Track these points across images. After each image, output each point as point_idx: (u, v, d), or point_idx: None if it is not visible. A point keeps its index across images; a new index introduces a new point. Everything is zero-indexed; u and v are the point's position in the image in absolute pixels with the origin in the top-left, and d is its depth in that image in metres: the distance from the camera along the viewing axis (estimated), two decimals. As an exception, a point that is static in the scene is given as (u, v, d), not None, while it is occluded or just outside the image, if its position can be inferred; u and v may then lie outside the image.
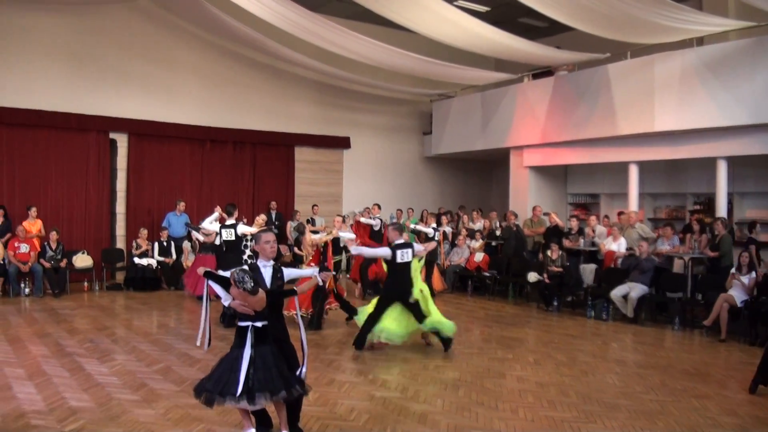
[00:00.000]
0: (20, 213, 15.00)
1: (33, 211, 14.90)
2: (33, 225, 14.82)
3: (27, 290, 14.17)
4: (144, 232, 16.13)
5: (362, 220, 16.17)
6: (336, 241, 12.54)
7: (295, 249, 13.63)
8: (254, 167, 19.17)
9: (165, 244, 16.05)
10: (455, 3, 15.53)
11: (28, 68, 15.80)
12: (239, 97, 18.74)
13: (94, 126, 16.62)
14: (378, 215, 16.94)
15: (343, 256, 14.58)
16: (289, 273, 6.23)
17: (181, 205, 16.71)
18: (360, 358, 9.26)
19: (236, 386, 5.46)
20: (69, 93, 16.27)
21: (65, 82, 16.29)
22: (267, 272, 5.97)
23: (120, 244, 17.05)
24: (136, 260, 15.68)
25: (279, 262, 10.75)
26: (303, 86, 19.80)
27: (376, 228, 16.23)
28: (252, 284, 5.51)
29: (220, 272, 5.98)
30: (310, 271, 6.82)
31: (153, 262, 15.65)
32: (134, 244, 16.11)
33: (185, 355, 9.22)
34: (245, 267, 5.74)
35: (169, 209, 16.82)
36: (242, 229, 12.31)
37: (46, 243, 14.83)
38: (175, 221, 16.45)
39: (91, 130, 16.63)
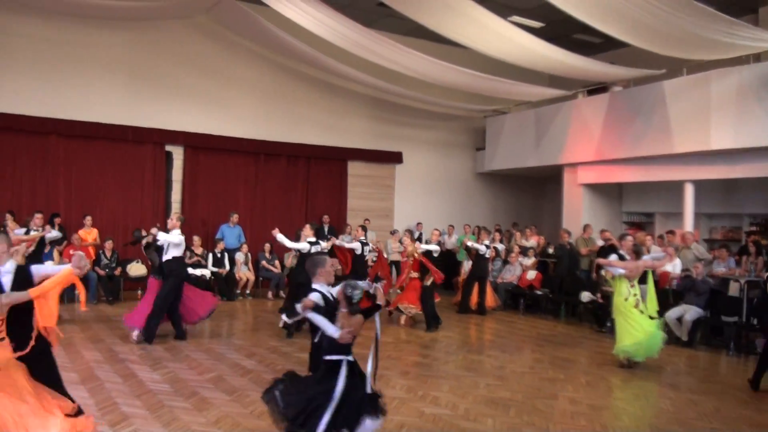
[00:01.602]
0: (76, 222, 15.31)
1: (88, 220, 15.19)
2: (89, 233, 15.12)
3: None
4: (197, 240, 16.27)
5: (340, 242, 14.29)
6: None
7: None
8: (307, 181, 19.29)
9: (219, 255, 16.23)
10: (510, 19, 15.46)
11: (87, 82, 16.24)
12: (293, 112, 18.89)
13: (150, 138, 16.96)
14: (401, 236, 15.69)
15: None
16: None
17: (234, 217, 16.92)
18: (409, 375, 9.16)
19: (318, 424, 5.05)
20: (126, 106, 16.65)
21: (123, 95, 16.66)
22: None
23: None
24: (190, 270, 15.80)
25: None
26: (357, 101, 19.89)
27: (358, 252, 13.80)
28: (360, 295, 5.35)
29: (314, 298, 5.48)
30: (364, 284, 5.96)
31: (207, 272, 15.79)
32: (187, 253, 16.26)
33: (237, 365, 9.27)
34: (350, 280, 5.50)
35: (223, 221, 17.05)
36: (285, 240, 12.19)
37: (101, 251, 15.12)
38: (229, 233, 16.65)
39: (148, 143, 16.97)
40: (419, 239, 16.98)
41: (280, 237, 12.15)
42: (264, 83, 18.47)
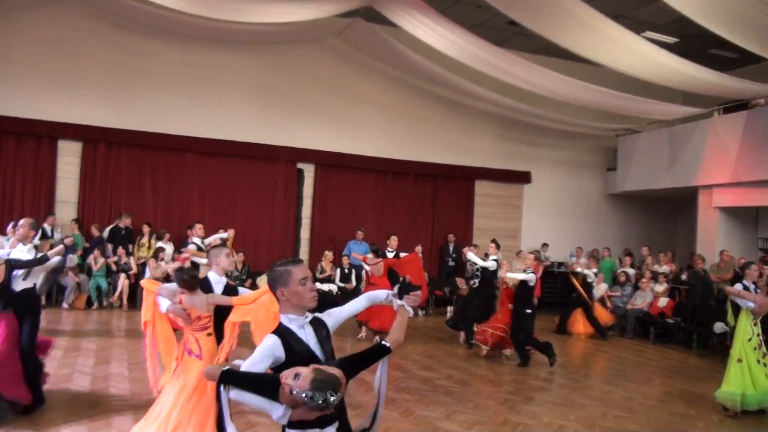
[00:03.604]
0: (210, 234, 15.93)
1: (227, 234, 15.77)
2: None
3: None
4: (329, 255, 16.76)
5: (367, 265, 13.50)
6: None
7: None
8: (434, 200, 19.38)
9: (346, 271, 16.53)
10: (643, 34, 15.12)
11: (222, 102, 17.08)
12: (421, 131, 19.05)
13: (282, 156, 17.55)
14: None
15: None
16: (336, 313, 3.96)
17: (360, 234, 17.18)
18: (534, 401, 8.98)
19: None
20: (260, 125, 17.33)
21: (257, 115, 17.38)
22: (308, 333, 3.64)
23: (303, 270, 17.67)
24: (318, 285, 16.19)
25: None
26: (485, 120, 19.85)
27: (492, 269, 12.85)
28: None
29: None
30: (383, 294, 4.10)
31: (334, 287, 16.11)
32: (318, 267, 16.71)
33: (361, 380, 9.38)
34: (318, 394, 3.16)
35: (351, 237, 17.37)
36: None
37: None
38: (356, 249, 16.89)
39: (280, 160, 17.57)
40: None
41: (471, 256, 12.61)
42: (393, 103, 18.74)
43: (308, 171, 18.04)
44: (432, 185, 19.35)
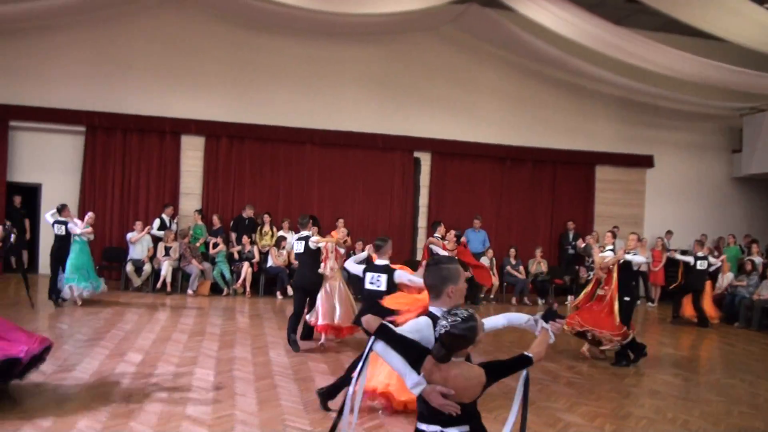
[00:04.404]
0: (329, 224, 16.12)
1: (340, 223, 15.98)
2: (334, 235, 15.87)
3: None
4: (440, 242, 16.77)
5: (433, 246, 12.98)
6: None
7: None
8: (553, 186, 19.06)
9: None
10: (767, 5, 14.48)
11: (339, 94, 17.44)
12: (539, 116, 18.77)
13: (399, 146, 17.69)
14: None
15: None
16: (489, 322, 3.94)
17: (477, 222, 17.13)
18: (659, 394, 8.68)
19: None
20: (376, 115, 17.55)
21: (373, 105, 17.61)
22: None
23: (419, 256, 17.79)
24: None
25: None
26: (604, 103, 19.37)
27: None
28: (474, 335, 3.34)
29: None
30: (524, 318, 4.07)
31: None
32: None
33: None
34: (463, 310, 3.37)
35: (468, 225, 17.27)
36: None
37: (351, 252, 15.84)
38: (473, 237, 16.84)
39: (397, 150, 17.72)
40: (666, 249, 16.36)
41: (590, 248, 12.37)
42: (509, 88, 18.55)
43: (425, 160, 18.11)
44: (551, 171, 19.04)
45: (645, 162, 19.70)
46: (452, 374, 3.32)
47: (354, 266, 8.94)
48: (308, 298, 10.22)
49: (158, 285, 14.87)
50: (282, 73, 17.15)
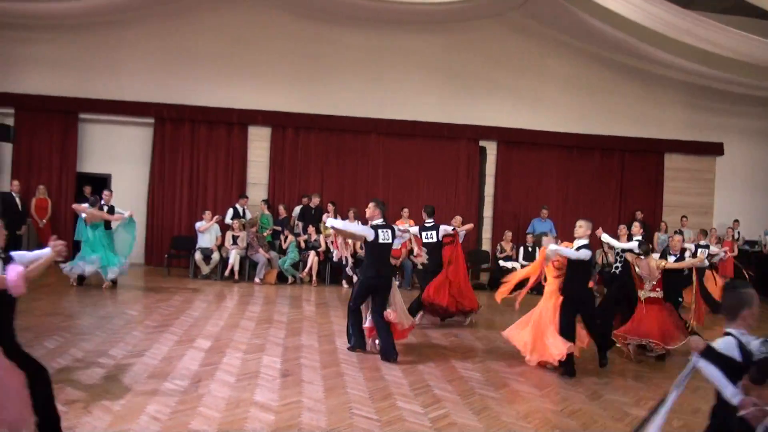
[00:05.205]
0: (394, 214, 16.12)
1: (405, 212, 15.97)
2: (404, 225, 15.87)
3: (397, 282, 15.09)
4: (508, 235, 16.69)
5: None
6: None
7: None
8: (621, 175, 18.65)
9: (530, 249, 16.33)
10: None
11: (404, 83, 17.35)
12: (607, 103, 18.38)
13: (464, 134, 17.56)
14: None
15: None
16: None
17: (545, 212, 16.93)
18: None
19: None
20: (442, 104, 17.45)
21: (438, 94, 17.50)
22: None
23: (485, 246, 17.69)
24: (501, 263, 16.18)
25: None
26: (673, 89, 18.78)
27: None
28: None
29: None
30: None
31: (517, 265, 15.94)
32: (498, 247, 16.68)
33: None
34: None
35: (534, 215, 17.12)
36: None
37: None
38: (540, 227, 16.64)
39: (462, 139, 17.58)
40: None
41: (606, 237, 11.37)
42: (576, 75, 18.22)
43: (490, 148, 17.93)
44: (619, 160, 18.63)
45: (715, 149, 19.07)
46: (765, 393, 3.77)
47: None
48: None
49: (226, 273, 15.10)
50: (346, 63, 17.20)
